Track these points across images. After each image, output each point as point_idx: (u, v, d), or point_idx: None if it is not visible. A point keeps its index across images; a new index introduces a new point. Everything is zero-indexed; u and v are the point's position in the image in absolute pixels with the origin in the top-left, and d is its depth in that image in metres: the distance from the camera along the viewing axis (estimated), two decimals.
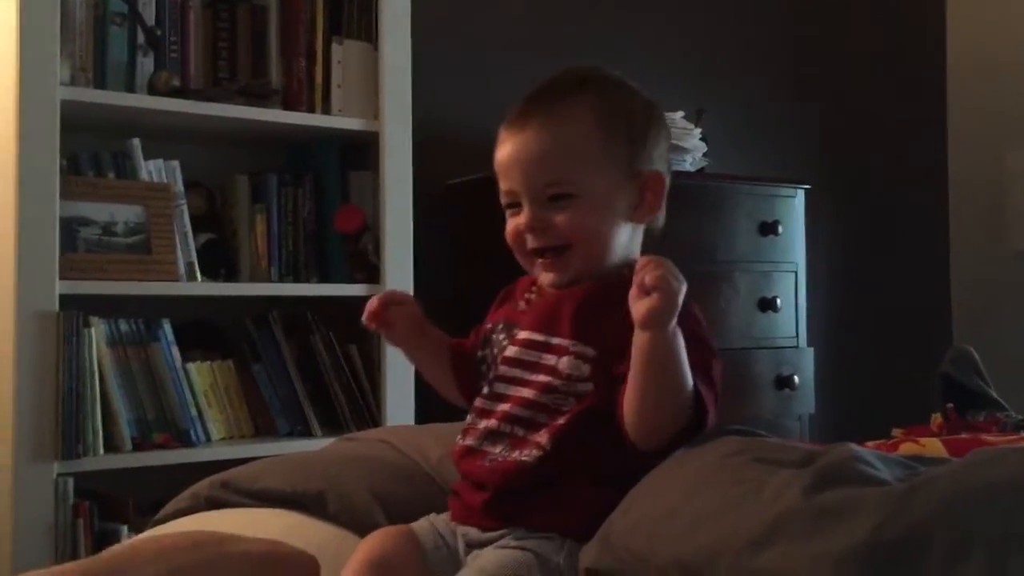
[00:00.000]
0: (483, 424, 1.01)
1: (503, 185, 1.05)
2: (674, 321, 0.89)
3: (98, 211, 1.95)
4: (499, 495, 0.97)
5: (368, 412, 2.19)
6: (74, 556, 1.79)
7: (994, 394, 1.89)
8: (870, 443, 1.76)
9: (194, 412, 2.02)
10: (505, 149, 1.04)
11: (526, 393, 0.99)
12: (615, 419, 0.95)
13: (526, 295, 1.08)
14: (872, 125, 3.39)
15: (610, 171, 1.02)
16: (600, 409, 0.96)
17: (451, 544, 0.98)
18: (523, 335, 1.02)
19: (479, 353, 1.08)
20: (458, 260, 2.53)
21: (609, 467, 0.95)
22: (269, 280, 2.16)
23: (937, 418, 1.86)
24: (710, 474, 0.82)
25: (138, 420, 1.96)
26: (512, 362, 1.02)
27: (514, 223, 1.05)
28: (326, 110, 2.19)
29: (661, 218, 1.07)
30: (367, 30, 2.24)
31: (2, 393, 1.83)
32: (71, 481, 1.83)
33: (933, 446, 1.59)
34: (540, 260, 1.04)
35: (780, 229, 2.62)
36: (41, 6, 1.84)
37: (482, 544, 0.96)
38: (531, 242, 1.03)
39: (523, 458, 0.96)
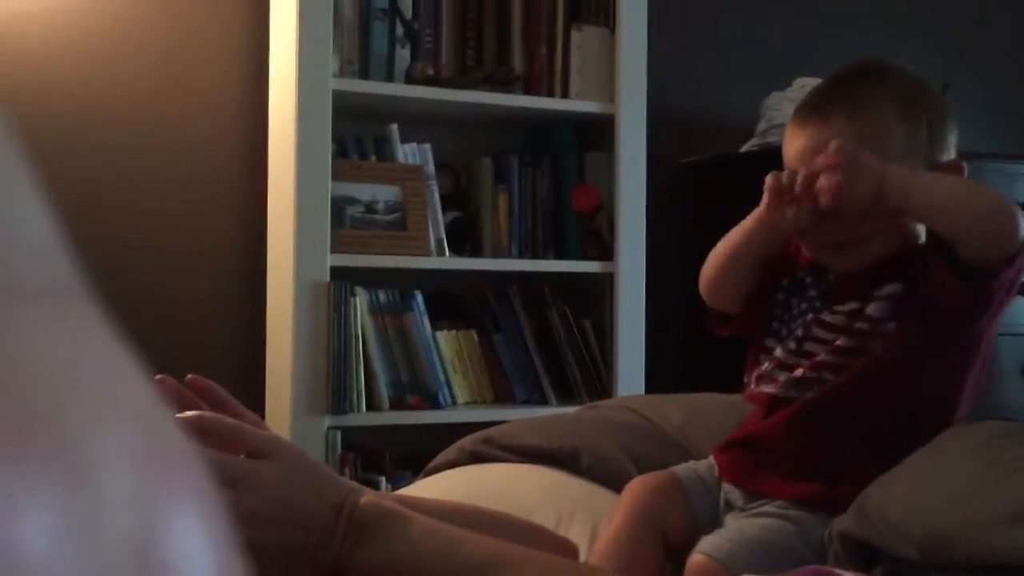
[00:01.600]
0: (785, 376, 1.02)
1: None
2: (892, 176, 0.92)
3: (362, 191, 2.15)
4: (775, 458, 0.99)
5: (600, 383, 2.28)
6: None
7: None
8: None
9: (442, 377, 2.19)
10: (799, 141, 1.01)
11: (839, 341, 0.99)
12: (922, 380, 0.97)
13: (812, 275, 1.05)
14: None
15: (914, 161, 0.98)
16: (908, 363, 0.97)
17: (713, 493, 1.03)
18: (837, 307, 1.01)
19: (779, 296, 1.06)
20: (690, 238, 2.57)
21: (890, 436, 0.96)
22: (509, 256, 2.30)
23: None
24: (971, 454, 0.84)
25: (394, 382, 2.15)
26: (827, 326, 1.01)
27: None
28: (564, 94, 2.30)
29: None
30: (605, 16, 2.32)
31: (283, 354, 2.07)
32: (339, 434, 2.04)
33: None
34: (832, 253, 1.01)
35: None
36: (317, 5, 2.05)
37: (743, 507, 1.00)
38: (826, 238, 1.00)
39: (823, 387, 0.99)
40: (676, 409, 1.31)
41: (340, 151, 2.16)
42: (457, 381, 2.23)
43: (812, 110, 1.01)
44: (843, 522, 0.85)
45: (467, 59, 2.30)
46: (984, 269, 0.91)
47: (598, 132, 2.34)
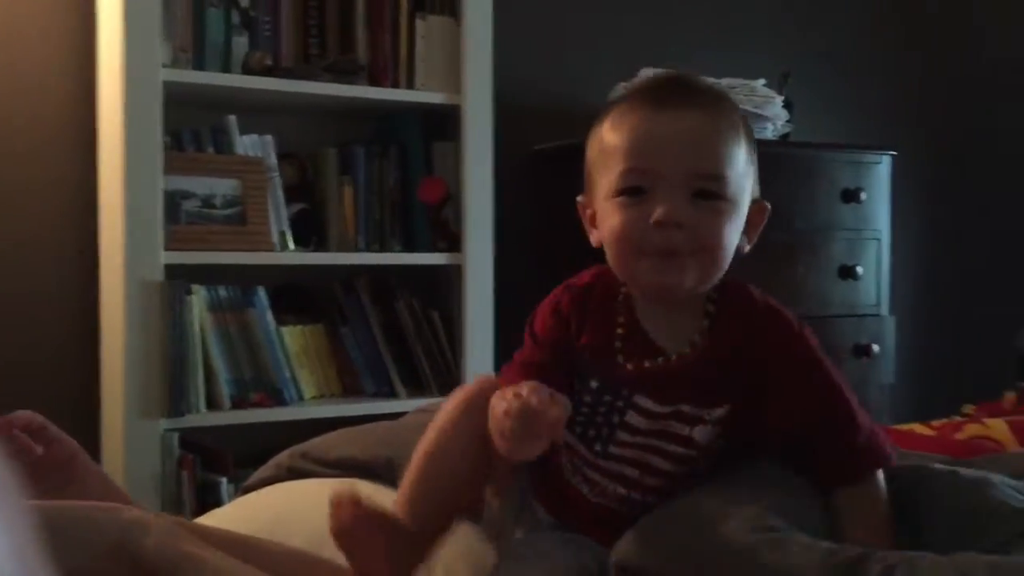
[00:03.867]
0: (605, 483, 0.94)
1: (638, 163, 0.89)
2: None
3: (198, 184, 2.08)
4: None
5: (449, 374, 2.29)
6: (179, 504, 1.96)
7: None
8: (936, 422, 1.77)
9: (287, 373, 2.16)
10: (657, 122, 0.89)
11: (660, 464, 0.92)
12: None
13: (619, 333, 0.94)
14: (963, 90, 3.29)
15: (748, 185, 0.93)
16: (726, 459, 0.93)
17: None
18: (646, 405, 0.91)
19: (576, 383, 0.94)
20: (540, 228, 2.60)
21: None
22: (356, 249, 2.27)
23: (1010, 397, 1.87)
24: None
25: (236, 380, 2.11)
26: (636, 431, 0.91)
27: (635, 214, 0.89)
28: (410, 84, 2.27)
29: (746, 250, 0.96)
30: (450, 5, 2.30)
31: (113, 356, 2.00)
32: (176, 436, 1.99)
33: (998, 427, 1.60)
34: (653, 260, 0.89)
35: (863, 196, 2.60)
36: None
37: None
38: (660, 240, 0.88)
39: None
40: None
41: (175, 143, 2.09)
42: (303, 376, 2.20)
43: (657, 98, 0.91)
44: (619, 552, 0.88)
45: (309, 48, 2.25)
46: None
47: (445, 122, 2.33)
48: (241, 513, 1.17)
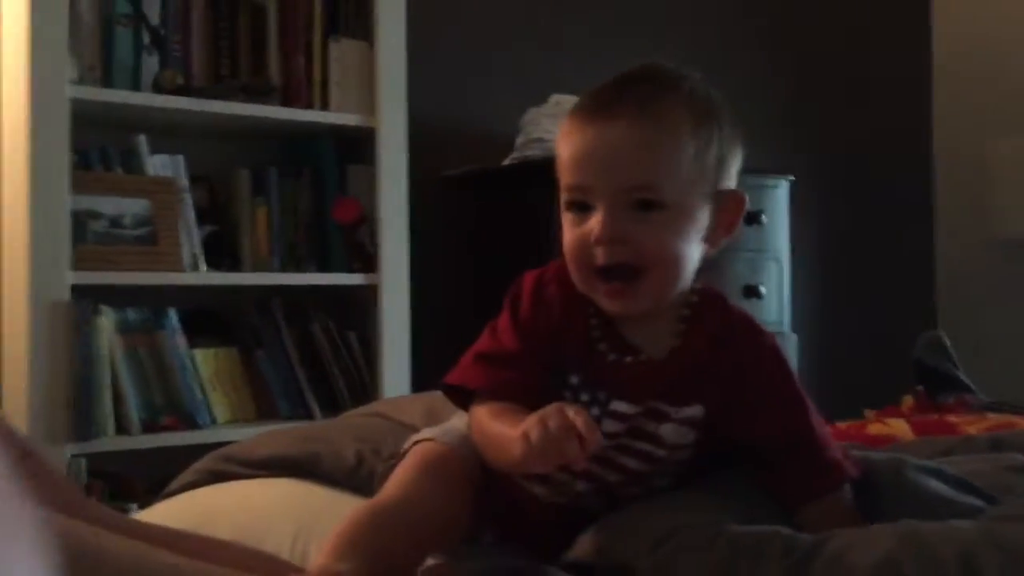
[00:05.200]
0: (572, 488, 0.92)
1: (573, 179, 0.89)
2: None
3: (107, 204, 2.04)
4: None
5: (366, 395, 2.28)
6: None
7: (963, 377, 1.97)
8: (842, 424, 1.85)
9: (200, 396, 2.11)
10: (585, 138, 0.88)
11: (627, 462, 0.90)
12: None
13: (595, 334, 0.91)
14: (857, 116, 3.47)
15: (700, 185, 0.89)
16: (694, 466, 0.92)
17: None
18: (620, 408, 0.90)
19: (553, 381, 0.92)
20: (454, 249, 2.62)
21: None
22: (270, 270, 2.25)
23: (908, 400, 1.95)
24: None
25: (147, 404, 2.05)
26: (609, 436, 0.88)
27: (580, 232, 0.88)
28: (324, 106, 2.28)
29: (725, 242, 0.94)
30: (363, 28, 2.32)
31: (17, 379, 1.93)
32: (84, 462, 1.93)
33: (900, 427, 1.67)
34: (607, 286, 0.88)
35: (764, 219, 2.71)
36: (50, 8, 1.93)
37: None
38: (602, 256, 0.86)
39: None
40: (418, 405, 1.32)
41: (82, 162, 2.05)
42: (216, 399, 2.16)
43: (597, 107, 0.89)
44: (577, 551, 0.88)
45: (221, 68, 2.24)
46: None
47: (359, 145, 2.34)
48: (163, 516, 1.14)
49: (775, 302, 2.76)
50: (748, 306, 2.71)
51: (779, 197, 2.77)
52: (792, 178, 2.82)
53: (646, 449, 0.90)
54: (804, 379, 3.13)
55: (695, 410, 0.90)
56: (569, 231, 0.89)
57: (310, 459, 1.16)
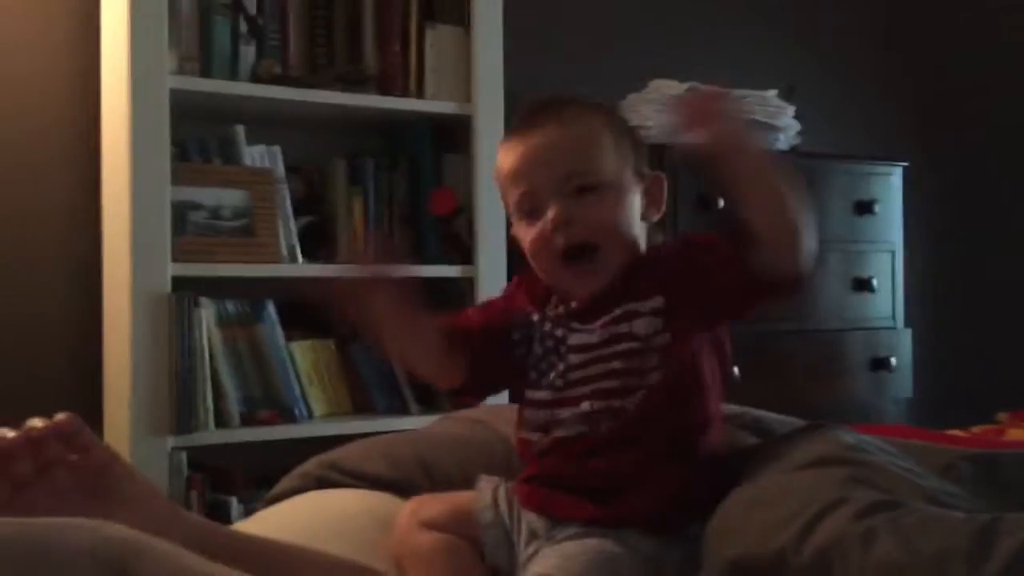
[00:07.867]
0: (569, 412, 1.02)
1: (520, 189, 1.04)
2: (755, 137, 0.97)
3: (206, 196, 2.03)
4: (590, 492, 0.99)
5: None
6: None
7: None
8: (976, 428, 1.73)
9: (297, 390, 2.09)
10: (518, 152, 1.04)
11: (614, 365, 1.00)
12: (697, 381, 1.00)
13: (553, 304, 1.08)
14: (974, 99, 3.28)
15: (624, 167, 1.05)
16: (683, 369, 1.00)
17: (507, 526, 1.02)
18: (587, 325, 1.03)
19: (514, 335, 1.08)
20: None
21: (691, 443, 1.00)
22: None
23: None
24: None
25: (246, 397, 2.04)
26: (583, 348, 1.02)
27: (538, 230, 1.03)
28: (420, 94, 2.23)
29: (657, 217, 1.10)
30: (459, 14, 2.27)
31: (119, 371, 1.94)
32: (184, 455, 1.93)
33: None
34: (571, 270, 1.03)
35: (876, 208, 2.58)
36: None
37: (549, 535, 0.98)
38: (560, 240, 1.01)
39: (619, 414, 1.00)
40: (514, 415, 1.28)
41: (181, 154, 2.04)
42: (314, 393, 2.14)
43: (523, 126, 1.05)
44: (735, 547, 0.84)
45: (317, 57, 2.21)
46: (768, 278, 0.94)
47: (455, 133, 2.29)
48: (269, 522, 1.11)
49: (887, 296, 2.62)
50: (858, 300, 2.58)
51: (892, 185, 2.64)
52: (906, 164, 2.67)
53: (626, 347, 1.00)
54: (920, 377, 2.99)
55: (656, 302, 1.01)
56: (527, 234, 1.05)
57: (410, 484, 1.14)
